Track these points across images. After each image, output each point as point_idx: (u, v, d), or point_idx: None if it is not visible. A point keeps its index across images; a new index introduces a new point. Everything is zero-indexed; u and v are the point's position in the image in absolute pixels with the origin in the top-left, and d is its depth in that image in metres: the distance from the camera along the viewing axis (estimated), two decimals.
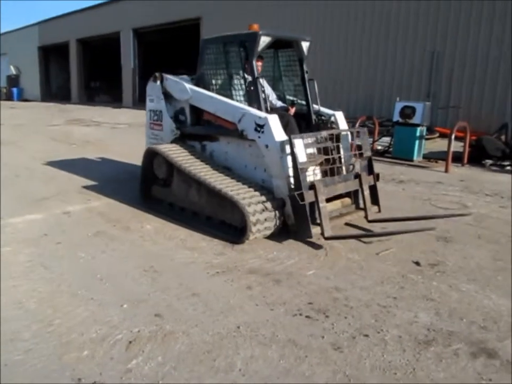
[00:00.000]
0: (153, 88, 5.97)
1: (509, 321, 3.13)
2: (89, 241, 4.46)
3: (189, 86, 5.55)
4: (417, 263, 4.04)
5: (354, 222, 5.03)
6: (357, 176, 5.01)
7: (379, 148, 10.31)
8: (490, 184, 7.45)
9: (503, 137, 10.69)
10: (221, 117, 5.18)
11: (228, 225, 4.66)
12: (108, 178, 7.16)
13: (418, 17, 13.73)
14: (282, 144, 4.54)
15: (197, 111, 5.61)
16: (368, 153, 5.21)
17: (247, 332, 2.91)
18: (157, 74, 5.90)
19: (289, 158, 4.49)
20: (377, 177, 5.23)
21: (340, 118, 5.57)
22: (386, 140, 10.43)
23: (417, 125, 9.02)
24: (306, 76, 5.65)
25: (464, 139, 9.04)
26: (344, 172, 5.18)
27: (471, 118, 11.71)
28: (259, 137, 4.70)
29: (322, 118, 5.68)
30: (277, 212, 4.47)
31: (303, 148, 4.50)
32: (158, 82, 5.86)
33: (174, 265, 3.95)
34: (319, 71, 14.58)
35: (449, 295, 3.47)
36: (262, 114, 4.76)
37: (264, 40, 5.02)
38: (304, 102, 5.72)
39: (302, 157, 4.45)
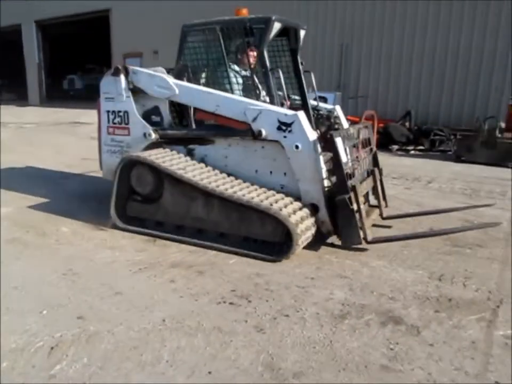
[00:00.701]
0: (113, 84, 4.92)
1: (413, 291, 3.46)
2: (2, 250, 4.24)
3: (172, 80, 4.70)
4: (332, 244, 4.30)
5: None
6: (372, 172, 4.80)
7: None
8: (397, 167, 8.02)
9: (407, 124, 11.52)
10: (224, 115, 4.47)
11: (252, 241, 4.09)
12: (21, 181, 6.79)
13: (327, 15, 14.33)
14: (315, 143, 4.09)
15: (179, 110, 4.94)
16: (374, 148, 5.04)
17: (173, 324, 2.96)
18: (119, 66, 4.90)
19: (321, 159, 4.11)
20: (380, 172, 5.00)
21: (340, 112, 5.30)
22: None
23: None
24: (301, 67, 5.17)
25: (372, 126, 9.60)
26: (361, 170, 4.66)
27: (378, 107, 12.48)
28: (285, 137, 4.15)
29: (321, 113, 5.32)
30: (312, 219, 4.10)
31: (343, 146, 4.12)
32: (121, 76, 4.84)
33: (94, 266, 3.88)
34: None
35: (361, 272, 3.76)
36: (288, 111, 4.29)
37: (276, 27, 4.49)
38: (297, 97, 5.29)
39: (344, 157, 4.08)
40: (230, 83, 4.66)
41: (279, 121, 4.17)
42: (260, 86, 4.73)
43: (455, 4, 11.90)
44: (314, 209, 4.14)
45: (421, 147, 10.47)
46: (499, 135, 8.84)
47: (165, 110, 4.90)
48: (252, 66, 4.68)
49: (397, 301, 3.29)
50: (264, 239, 4.02)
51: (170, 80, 4.69)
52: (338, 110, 5.31)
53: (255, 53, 4.67)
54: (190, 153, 4.79)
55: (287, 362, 2.57)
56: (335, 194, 4.05)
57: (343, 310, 3.14)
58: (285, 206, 3.95)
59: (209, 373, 2.49)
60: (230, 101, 4.45)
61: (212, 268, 3.80)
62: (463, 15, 11.84)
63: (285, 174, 4.32)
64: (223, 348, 2.72)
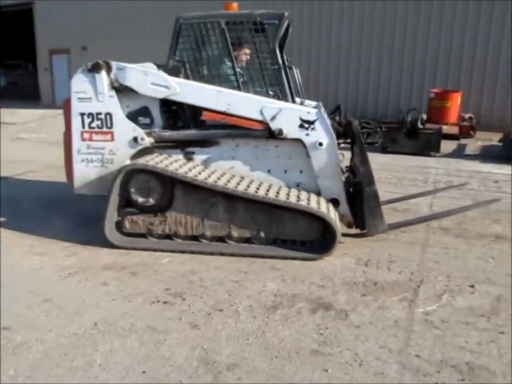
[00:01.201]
0: (90, 82, 4.31)
1: (341, 277, 3.62)
2: None
3: (171, 78, 4.27)
4: None
5: None
6: None
7: None
8: None
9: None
10: (237, 114, 4.21)
11: (282, 241, 4.08)
12: None
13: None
14: (336, 140, 4.21)
15: (172, 111, 4.49)
16: None
17: (105, 327, 2.92)
18: (101, 62, 4.28)
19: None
20: None
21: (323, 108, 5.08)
22: None
23: None
24: (286, 63, 4.81)
25: None
26: None
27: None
28: (307, 134, 4.13)
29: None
30: (337, 214, 4.17)
31: None
32: (103, 73, 4.26)
33: (22, 274, 3.72)
34: None
35: (293, 263, 3.87)
36: (310, 108, 4.28)
37: (286, 23, 4.38)
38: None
39: None
40: (236, 80, 4.35)
41: (301, 119, 4.14)
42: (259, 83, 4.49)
43: (367, 4, 12.47)
44: (337, 204, 4.26)
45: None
46: (421, 126, 9.37)
47: (156, 110, 4.39)
48: (246, 63, 4.61)
49: (327, 288, 3.44)
50: (298, 238, 4.05)
51: (169, 77, 4.26)
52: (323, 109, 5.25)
53: (247, 50, 4.57)
54: (187, 157, 4.41)
55: (221, 356, 2.62)
56: (357, 186, 4.24)
57: (275, 301, 3.24)
58: (318, 203, 3.98)
59: (143, 372, 2.49)
60: (244, 99, 4.23)
61: (145, 268, 3.77)
62: (374, 13, 12.44)
63: (301, 171, 4.32)
64: (157, 346, 2.72)
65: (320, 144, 4.13)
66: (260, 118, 4.17)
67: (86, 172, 4.43)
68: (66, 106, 4.49)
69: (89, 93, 4.32)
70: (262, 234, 4.03)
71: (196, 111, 4.33)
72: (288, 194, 4.03)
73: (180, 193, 4.07)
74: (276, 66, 4.31)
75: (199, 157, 4.39)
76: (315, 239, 4.03)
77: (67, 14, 17.87)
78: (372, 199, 4.17)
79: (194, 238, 4.14)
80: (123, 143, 4.34)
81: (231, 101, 4.19)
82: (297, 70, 4.81)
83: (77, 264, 3.86)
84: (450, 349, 2.71)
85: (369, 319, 3.02)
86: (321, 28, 13.36)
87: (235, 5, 4.55)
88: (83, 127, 4.36)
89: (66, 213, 5.07)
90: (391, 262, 3.93)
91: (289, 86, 4.49)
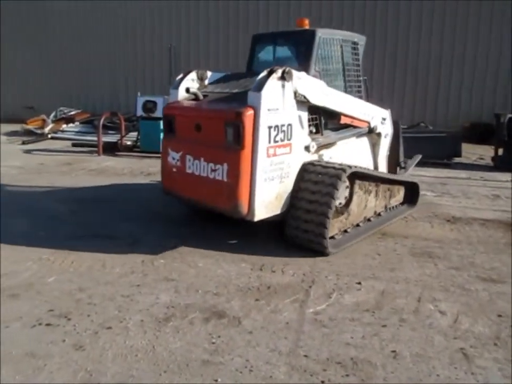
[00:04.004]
0: (280, 91, 4.05)
1: (236, 283, 3.63)
2: None
3: (328, 88, 4.61)
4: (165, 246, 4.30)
5: None
6: None
7: (128, 143, 10.38)
8: None
9: None
10: (357, 118, 5.05)
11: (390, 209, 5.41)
12: None
13: (154, 17, 14.28)
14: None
15: (311, 118, 4.58)
16: None
17: None
18: (288, 70, 4.04)
19: None
20: None
21: None
22: (134, 134, 10.57)
23: (160, 118, 9.38)
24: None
25: None
26: None
27: None
28: (383, 128, 5.49)
29: None
30: None
31: None
32: (290, 82, 4.11)
33: None
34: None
35: (188, 272, 3.82)
36: (382, 109, 5.50)
37: None
38: None
39: None
40: (346, 88, 5.18)
41: (382, 117, 5.44)
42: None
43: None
44: None
45: None
46: None
47: (305, 118, 4.43)
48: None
49: (221, 296, 3.42)
50: (397, 203, 5.59)
51: (327, 87, 4.61)
52: None
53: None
54: (320, 159, 4.66)
55: (107, 376, 2.49)
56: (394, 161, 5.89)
57: (167, 313, 3.15)
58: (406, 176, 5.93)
59: None
60: (361, 104, 5.16)
61: (28, 289, 3.48)
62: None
63: (369, 157, 5.47)
64: (36, 373, 2.51)
65: (387, 135, 5.63)
66: (367, 118, 5.20)
67: (267, 192, 4.11)
68: (249, 119, 3.88)
69: (277, 103, 4.07)
70: (387, 206, 5.31)
71: (328, 116, 4.75)
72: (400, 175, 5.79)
73: (357, 188, 4.67)
74: (362, 78, 5.43)
75: (326, 157, 4.74)
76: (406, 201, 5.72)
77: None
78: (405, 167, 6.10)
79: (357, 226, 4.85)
80: (298, 153, 4.36)
81: (355, 106, 5.03)
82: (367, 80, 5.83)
83: None
84: (336, 346, 2.81)
85: (262, 323, 3.05)
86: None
87: (307, 21, 5.04)
88: (269, 141, 4.03)
89: None
90: (286, 264, 4.02)
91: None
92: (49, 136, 12.08)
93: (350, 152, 5.09)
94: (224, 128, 4.00)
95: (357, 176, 4.62)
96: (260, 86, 3.93)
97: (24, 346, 2.76)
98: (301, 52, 4.87)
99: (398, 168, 5.99)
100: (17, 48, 15.92)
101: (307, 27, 5.09)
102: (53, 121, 12.69)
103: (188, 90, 4.57)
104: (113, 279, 3.67)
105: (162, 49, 14.21)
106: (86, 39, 15.12)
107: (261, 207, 4.05)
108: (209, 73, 4.98)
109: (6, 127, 14.19)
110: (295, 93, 4.17)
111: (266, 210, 4.13)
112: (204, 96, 4.66)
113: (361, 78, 5.43)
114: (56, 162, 8.86)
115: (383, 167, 5.69)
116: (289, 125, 4.20)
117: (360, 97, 5.31)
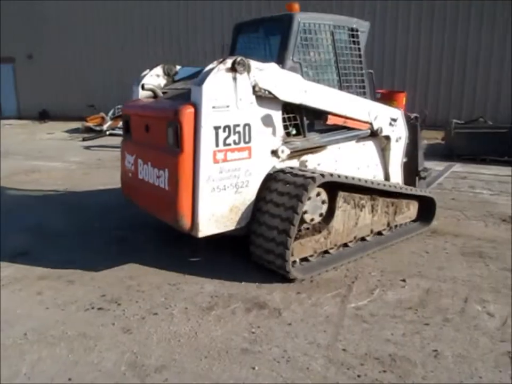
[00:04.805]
0: (232, 87, 3.44)
1: (279, 276, 3.68)
2: None
3: (308, 82, 3.95)
4: None
5: None
6: None
7: None
8: None
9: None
10: (353, 118, 4.29)
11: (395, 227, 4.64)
12: None
13: (205, 15, 14.54)
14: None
15: (295, 116, 4.03)
16: None
17: (35, 336, 2.87)
18: (241, 59, 3.44)
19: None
20: None
21: None
22: None
23: None
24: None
25: None
26: None
27: None
28: (393, 131, 4.68)
29: None
30: None
31: None
32: (245, 74, 3.49)
33: None
34: None
35: (233, 264, 3.91)
36: (393, 108, 4.78)
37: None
38: None
39: None
40: (340, 82, 4.37)
41: (390, 118, 4.65)
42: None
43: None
44: None
45: None
46: None
47: (279, 117, 3.83)
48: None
49: (263, 288, 3.49)
50: (407, 221, 4.79)
51: (305, 81, 3.92)
52: None
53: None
54: (302, 166, 4.04)
55: (151, 359, 2.62)
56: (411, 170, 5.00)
57: (211, 302, 3.27)
58: (419, 189, 4.87)
59: (69, 379, 2.46)
60: (359, 102, 4.40)
61: (82, 276, 3.72)
62: None
63: (376, 164, 4.72)
64: (87, 353, 2.70)
65: (400, 138, 4.78)
66: (367, 119, 4.44)
67: (218, 203, 3.49)
68: (187, 119, 3.32)
69: (227, 100, 3.43)
70: (390, 224, 4.50)
71: (312, 115, 4.07)
72: (400, 186, 4.56)
73: (341, 202, 3.87)
74: (365, 71, 4.60)
75: (311, 165, 4.10)
76: (417, 218, 4.87)
77: (10, 21, 17.40)
78: (423, 180, 5.14)
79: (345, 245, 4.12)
80: (261, 159, 3.69)
81: (350, 104, 4.30)
82: (373, 74, 4.99)
83: (12, 275, 3.77)
84: (376, 341, 2.81)
85: (302, 316, 3.09)
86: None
87: (297, 6, 4.28)
88: (217, 145, 3.41)
89: None
90: None
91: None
92: (107, 133, 12.67)
93: (347, 159, 4.38)
94: (166, 128, 3.49)
95: (341, 186, 3.83)
96: (202, 80, 3.34)
97: (77, 327, 2.96)
98: (278, 40, 4.14)
99: (416, 179, 5.07)
100: (82, 49, 16.74)
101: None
102: (111, 119, 13.28)
103: (143, 87, 4.09)
104: (161, 268, 3.83)
105: (214, 46, 14.46)
106: (142, 38, 15.65)
107: (208, 221, 3.45)
108: (178, 68, 4.51)
109: (69, 125, 15.03)
110: (254, 87, 3.54)
111: (217, 225, 3.51)
112: (164, 93, 4.16)
113: (363, 72, 4.56)
114: (112, 157, 9.27)
115: (397, 177, 4.88)
116: (247, 125, 3.55)
117: (363, 94, 4.53)
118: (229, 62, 3.39)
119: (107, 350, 2.72)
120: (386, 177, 4.80)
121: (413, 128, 5.00)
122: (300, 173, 3.65)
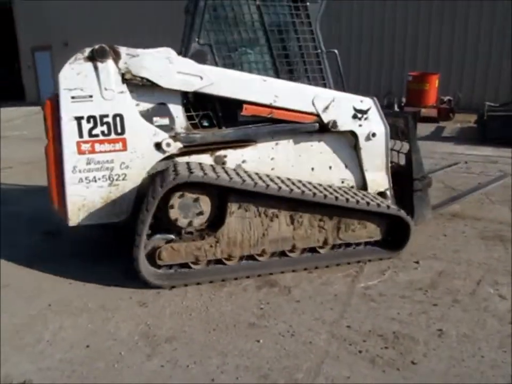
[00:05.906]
0: (90, 75, 3.29)
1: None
2: None
3: (205, 66, 3.53)
4: None
5: None
6: None
7: None
8: None
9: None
10: (286, 107, 3.66)
11: (344, 246, 3.72)
12: None
13: None
14: (388, 129, 3.90)
15: (196, 107, 3.66)
16: None
17: (59, 307, 3.08)
18: (106, 47, 3.30)
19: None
20: None
21: None
22: None
23: None
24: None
25: None
26: None
27: None
28: (360, 125, 3.81)
29: None
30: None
31: None
32: (109, 61, 3.32)
33: None
34: None
35: None
36: (362, 97, 3.87)
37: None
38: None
39: None
40: (276, 66, 3.84)
41: (354, 108, 3.80)
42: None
43: None
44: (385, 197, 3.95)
45: None
46: (397, 110, 9.49)
47: (178, 108, 3.54)
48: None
49: None
50: (365, 240, 3.73)
51: (200, 66, 3.50)
52: None
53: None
54: (218, 162, 3.66)
55: (162, 330, 2.79)
56: (403, 177, 4.01)
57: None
58: (381, 201, 3.70)
59: (87, 346, 2.65)
60: (294, 89, 3.72)
61: (111, 254, 3.91)
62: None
63: (346, 166, 3.94)
64: (105, 323, 2.89)
65: (374, 134, 3.85)
66: (311, 109, 3.72)
67: (86, 195, 3.41)
68: (49, 110, 3.38)
69: (89, 90, 3.31)
70: (328, 242, 3.62)
71: (230, 105, 3.63)
72: (353, 195, 3.63)
73: (235, 208, 3.34)
74: (319, 51, 3.92)
75: (232, 162, 3.68)
76: (381, 238, 3.76)
77: (47, 10, 17.85)
78: (423, 191, 4.02)
79: (251, 257, 3.52)
80: (140, 152, 3.44)
81: (279, 91, 3.63)
82: (338, 55, 4.20)
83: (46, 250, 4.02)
84: (381, 320, 2.87)
85: (311, 294, 3.18)
86: None
87: None
88: (80, 136, 3.32)
89: None
90: None
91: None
92: None
93: (291, 157, 3.80)
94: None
95: (235, 190, 3.27)
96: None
97: (98, 300, 3.16)
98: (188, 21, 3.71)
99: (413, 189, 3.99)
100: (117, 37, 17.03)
101: None
102: None
103: None
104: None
105: None
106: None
107: (78, 211, 3.41)
108: None
109: None
110: (124, 75, 3.32)
111: (89, 216, 3.44)
112: None
113: (319, 51, 3.91)
114: None
115: (379, 184, 3.97)
116: (118, 115, 3.34)
117: (321, 79, 3.93)
118: (87, 51, 3.30)
119: (123, 321, 2.90)
120: (363, 183, 3.96)
121: (405, 123, 4.01)
122: (176, 168, 3.29)
